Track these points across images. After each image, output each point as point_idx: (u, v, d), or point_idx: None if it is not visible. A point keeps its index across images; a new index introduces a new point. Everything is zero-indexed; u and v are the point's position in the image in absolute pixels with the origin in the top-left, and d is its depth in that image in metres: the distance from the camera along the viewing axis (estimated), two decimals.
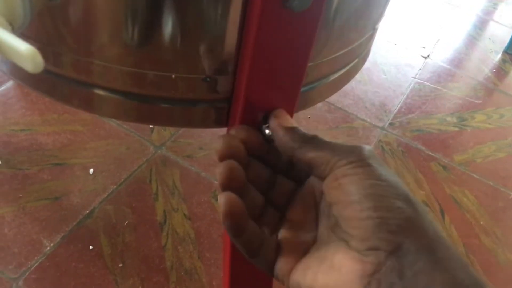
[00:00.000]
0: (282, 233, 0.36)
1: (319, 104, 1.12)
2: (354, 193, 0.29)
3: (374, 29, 0.51)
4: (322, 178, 0.32)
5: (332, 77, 0.49)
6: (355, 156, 0.31)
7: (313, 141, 0.34)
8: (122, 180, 0.87)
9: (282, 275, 0.34)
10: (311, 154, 0.33)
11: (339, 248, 0.30)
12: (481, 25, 1.61)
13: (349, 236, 0.29)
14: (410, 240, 0.27)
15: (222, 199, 0.33)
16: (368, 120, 1.13)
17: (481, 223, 0.95)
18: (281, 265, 0.34)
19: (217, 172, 0.34)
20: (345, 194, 0.30)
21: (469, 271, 0.27)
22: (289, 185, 0.37)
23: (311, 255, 0.33)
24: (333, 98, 1.16)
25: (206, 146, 0.97)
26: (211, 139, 0.99)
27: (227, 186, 0.33)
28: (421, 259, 0.27)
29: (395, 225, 0.27)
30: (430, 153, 1.08)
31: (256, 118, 0.38)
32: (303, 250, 0.34)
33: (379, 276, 0.27)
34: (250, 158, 0.36)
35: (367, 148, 0.32)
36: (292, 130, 0.35)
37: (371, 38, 0.52)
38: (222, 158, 0.35)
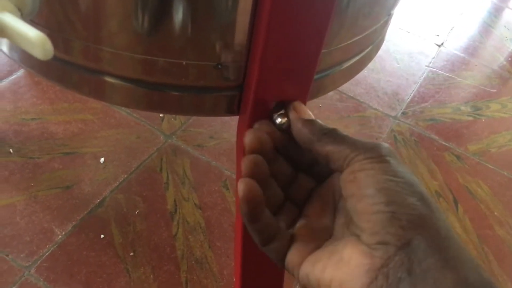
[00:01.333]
0: (297, 227, 0.36)
1: (331, 93, 1.11)
2: (368, 187, 0.29)
3: (389, 15, 0.49)
4: (340, 171, 0.32)
5: (346, 65, 0.48)
6: (373, 152, 0.31)
7: (332, 134, 0.34)
8: (133, 169, 0.87)
9: (292, 267, 0.34)
10: (329, 148, 0.33)
11: (350, 241, 0.30)
12: (496, 12, 1.58)
13: (360, 230, 0.29)
14: (421, 236, 0.27)
15: (242, 184, 0.33)
16: (381, 109, 1.12)
17: (495, 213, 0.93)
18: (292, 257, 0.34)
19: (242, 164, 0.34)
20: (359, 187, 0.30)
21: (481, 272, 0.27)
22: (310, 182, 0.38)
23: (323, 249, 0.33)
24: (345, 87, 1.15)
25: (217, 135, 0.97)
26: (222, 128, 0.98)
27: (250, 177, 0.34)
28: (431, 256, 0.26)
29: (406, 220, 0.27)
30: (443, 142, 1.07)
31: (268, 107, 0.37)
32: (316, 245, 0.34)
33: (387, 271, 0.27)
34: (275, 153, 0.37)
35: (386, 145, 0.32)
36: (311, 123, 0.35)
37: (385, 24, 0.51)
38: (251, 151, 0.35)
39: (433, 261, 0.26)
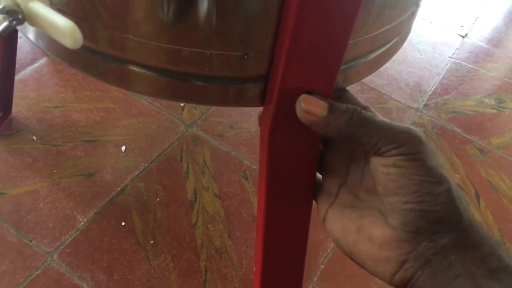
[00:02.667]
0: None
1: (352, 85, 1.10)
2: (402, 186, 0.31)
3: (417, 6, 0.48)
4: (369, 153, 0.34)
5: (371, 56, 0.47)
6: (407, 148, 0.32)
7: (359, 117, 0.33)
8: (154, 158, 0.88)
9: (320, 215, 0.38)
10: (360, 131, 0.33)
11: (377, 221, 0.33)
12: None
13: (389, 215, 0.32)
14: (446, 228, 0.31)
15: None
16: (402, 101, 1.10)
17: None
18: (319, 201, 0.39)
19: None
20: (393, 183, 0.32)
21: (492, 243, 0.31)
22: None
23: (346, 212, 0.36)
24: (366, 78, 1.13)
25: (237, 125, 0.97)
26: (241, 119, 0.98)
27: None
28: (452, 241, 0.30)
29: (434, 217, 0.31)
30: (466, 135, 1.05)
31: (294, 98, 0.37)
32: (331, 193, 0.38)
33: (416, 255, 0.31)
34: None
35: (419, 135, 0.33)
36: (333, 112, 0.34)
37: (413, 15, 0.50)
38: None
39: (453, 245, 0.30)
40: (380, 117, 0.34)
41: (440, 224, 0.31)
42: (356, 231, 0.34)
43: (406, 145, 0.32)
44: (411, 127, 0.33)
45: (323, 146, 0.40)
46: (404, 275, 0.31)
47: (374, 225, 0.33)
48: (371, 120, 0.33)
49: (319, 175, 0.41)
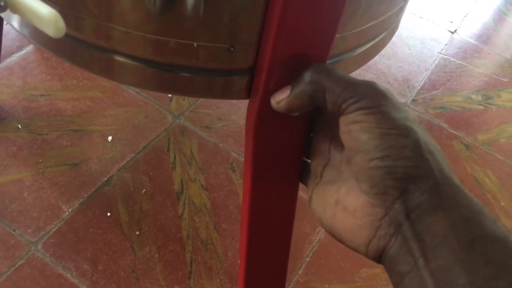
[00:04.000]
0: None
1: None
2: (363, 142, 0.30)
3: (405, 1, 0.49)
4: (336, 114, 0.33)
5: (359, 51, 0.48)
6: (367, 101, 0.30)
7: (324, 70, 0.34)
8: (140, 148, 0.87)
9: (308, 198, 0.37)
10: (325, 83, 0.33)
11: (352, 189, 0.32)
12: None
13: (359, 178, 0.31)
14: (415, 185, 0.28)
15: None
16: None
17: (502, 204, 0.93)
18: (308, 186, 0.38)
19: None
20: (355, 141, 0.30)
21: (472, 206, 0.28)
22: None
23: (327, 188, 0.35)
24: (355, 72, 1.13)
25: (225, 117, 0.96)
26: (230, 110, 0.98)
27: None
28: (424, 201, 0.28)
29: (401, 173, 0.28)
30: (453, 131, 1.06)
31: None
32: (318, 174, 0.37)
33: (388, 219, 0.29)
34: None
35: (380, 88, 0.31)
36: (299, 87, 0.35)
37: (401, 10, 0.50)
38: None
39: (425, 205, 0.28)
40: (344, 74, 0.33)
41: (408, 181, 0.28)
42: (334, 204, 0.33)
43: (366, 99, 0.30)
44: (374, 82, 0.32)
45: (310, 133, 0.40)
46: (378, 244, 0.29)
47: (349, 193, 0.32)
48: (332, 78, 0.33)
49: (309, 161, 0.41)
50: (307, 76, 0.34)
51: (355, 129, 0.30)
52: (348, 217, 0.31)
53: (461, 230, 0.26)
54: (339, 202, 0.32)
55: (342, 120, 0.31)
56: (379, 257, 0.30)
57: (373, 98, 0.30)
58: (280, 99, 0.36)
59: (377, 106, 0.30)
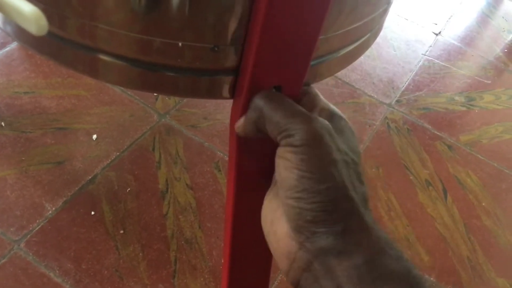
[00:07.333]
0: None
1: (326, 79, 1.11)
2: (283, 179, 0.30)
3: (388, 3, 0.49)
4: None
5: (342, 52, 0.48)
6: (296, 139, 0.30)
7: (273, 97, 0.34)
8: (125, 147, 0.87)
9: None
10: (266, 112, 0.33)
11: (282, 217, 0.32)
12: (495, 2, 1.57)
13: (284, 210, 0.31)
14: (325, 228, 0.29)
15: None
16: (375, 96, 1.12)
17: (483, 204, 0.95)
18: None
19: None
20: (278, 175, 0.31)
21: (375, 247, 0.29)
22: None
23: (273, 201, 0.34)
24: (341, 73, 1.14)
25: (210, 116, 0.97)
26: (215, 110, 0.98)
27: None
28: (329, 244, 0.29)
29: (311, 216, 0.29)
30: (436, 132, 1.07)
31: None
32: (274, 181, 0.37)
33: (301, 255, 0.30)
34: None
35: (316, 127, 0.31)
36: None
37: (385, 12, 0.50)
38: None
39: (331, 248, 0.29)
40: (289, 104, 0.33)
41: (317, 224, 0.29)
42: (270, 223, 0.33)
43: (297, 136, 0.30)
44: (319, 119, 0.32)
45: None
46: (294, 276, 0.31)
47: (280, 219, 0.32)
48: (272, 106, 0.33)
49: None
50: (252, 102, 0.35)
51: (280, 164, 0.31)
52: (275, 242, 0.33)
53: (363, 271, 0.28)
54: (273, 224, 0.33)
55: (277, 150, 0.32)
56: (296, 287, 0.31)
57: (304, 137, 0.30)
58: (238, 125, 0.37)
59: (304, 145, 0.30)
